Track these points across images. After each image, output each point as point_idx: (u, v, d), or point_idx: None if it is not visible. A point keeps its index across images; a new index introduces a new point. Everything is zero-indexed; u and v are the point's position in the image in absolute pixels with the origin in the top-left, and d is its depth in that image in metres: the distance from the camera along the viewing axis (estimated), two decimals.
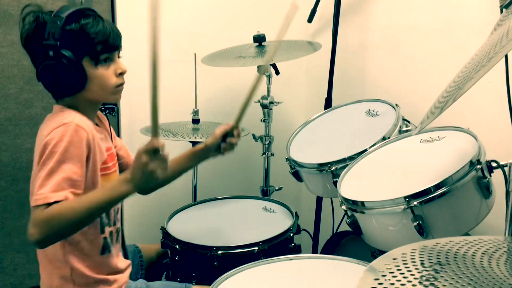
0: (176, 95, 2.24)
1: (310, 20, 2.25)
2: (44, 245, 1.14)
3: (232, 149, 1.46)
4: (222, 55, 2.02)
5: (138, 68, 2.15)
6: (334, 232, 2.08)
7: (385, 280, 0.67)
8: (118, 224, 1.36)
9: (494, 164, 1.20)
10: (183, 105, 2.13)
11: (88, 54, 1.19)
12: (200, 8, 2.28)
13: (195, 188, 2.08)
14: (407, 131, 1.58)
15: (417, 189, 1.19)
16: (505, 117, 1.19)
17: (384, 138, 1.55)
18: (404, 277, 0.68)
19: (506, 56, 1.12)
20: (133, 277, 1.47)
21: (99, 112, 1.39)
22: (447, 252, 0.75)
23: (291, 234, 1.57)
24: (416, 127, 1.44)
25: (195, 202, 1.89)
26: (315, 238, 2.21)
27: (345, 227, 1.66)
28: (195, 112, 2.03)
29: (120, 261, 1.36)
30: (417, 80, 1.94)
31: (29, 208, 1.17)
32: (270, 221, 1.68)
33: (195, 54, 1.96)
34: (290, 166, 1.72)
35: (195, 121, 2.03)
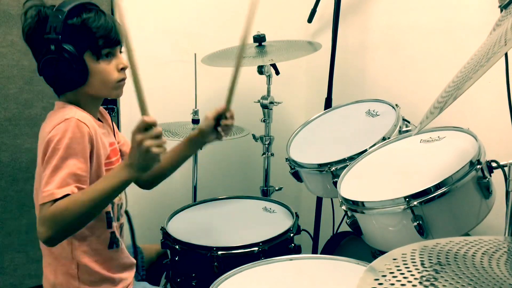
0: (176, 95, 2.24)
1: (310, 20, 2.25)
2: (54, 243, 1.14)
3: (229, 131, 1.44)
4: (222, 55, 2.02)
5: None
6: (334, 232, 2.08)
7: (385, 280, 0.67)
8: (122, 220, 1.36)
9: (494, 164, 1.20)
10: (183, 105, 2.13)
11: (90, 49, 1.19)
12: (200, 8, 2.28)
13: (195, 188, 2.08)
14: (407, 131, 1.58)
15: (417, 189, 1.19)
16: (505, 117, 1.19)
17: (384, 138, 1.55)
18: (404, 277, 0.68)
19: (506, 56, 1.12)
20: (135, 277, 1.48)
21: (101, 108, 1.39)
22: (447, 252, 0.75)
23: (291, 235, 1.57)
24: (416, 127, 1.44)
25: (195, 202, 1.89)
26: (315, 238, 2.20)
27: (345, 227, 1.66)
28: (195, 112, 2.03)
29: (127, 257, 1.36)
30: (417, 80, 1.94)
31: (29, 208, 1.18)
32: (270, 221, 1.68)
33: (195, 54, 1.96)
34: (290, 167, 1.72)
35: (195, 121, 2.03)
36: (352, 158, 1.52)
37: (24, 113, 1.97)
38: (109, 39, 1.21)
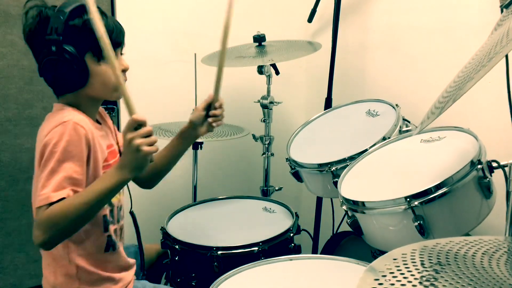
0: (176, 95, 2.24)
1: (310, 20, 2.25)
2: (49, 247, 1.14)
3: (219, 121, 1.42)
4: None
5: (138, 67, 2.16)
6: (334, 232, 2.08)
7: (385, 280, 0.67)
8: (122, 222, 1.36)
9: (494, 164, 1.20)
10: (183, 105, 2.13)
11: (91, 50, 1.18)
12: (200, 8, 2.28)
13: (195, 188, 2.08)
14: (407, 131, 1.58)
15: (417, 189, 1.19)
16: (506, 117, 1.19)
17: (384, 138, 1.55)
18: (404, 277, 0.68)
19: (506, 56, 1.11)
20: (136, 275, 1.48)
21: (101, 109, 1.38)
22: (447, 252, 0.75)
23: (291, 234, 1.57)
24: (416, 127, 1.44)
25: (195, 202, 1.89)
26: (315, 238, 2.20)
27: (345, 227, 1.66)
28: None
29: (125, 259, 1.36)
30: (417, 80, 1.94)
31: (29, 208, 1.17)
32: (270, 221, 1.68)
33: (195, 54, 1.96)
34: (290, 166, 1.72)
35: None
36: (352, 158, 1.52)
37: (24, 113, 1.97)
38: (110, 41, 1.20)
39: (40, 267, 1.30)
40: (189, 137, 1.46)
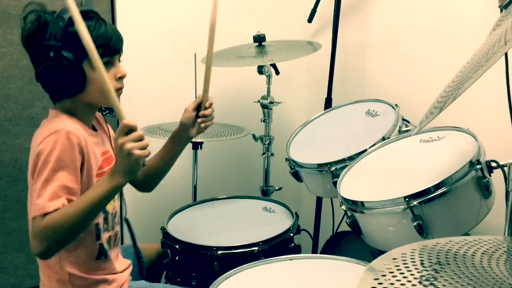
0: (176, 95, 2.24)
1: (310, 20, 2.25)
2: (47, 256, 1.15)
3: (209, 122, 1.43)
4: (222, 55, 2.02)
5: (138, 68, 2.17)
6: (334, 232, 2.08)
7: (385, 280, 0.67)
8: (117, 228, 1.36)
9: (493, 164, 1.20)
10: (183, 105, 2.11)
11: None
12: (200, 8, 2.27)
13: (195, 188, 2.08)
14: (407, 131, 1.58)
15: (417, 189, 1.19)
16: (505, 117, 1.19)
17: (384, 138, 1.55)
18: (404, 277, 0.68)
19: (506, 56, 1.12)
20: (133, 277, 1.48)
21: (98, 115, 1.38)
22: (447, 252, 0.75)
23: (291, 234, 1.57)
24: (416, 127, 1.44)
25: (195, 202, 1.89)
26: (315, 238, 2.21)
27: (345, 227, 1.66)
28: None
29: (119, 264, 1.36)
30: (417, 80, 1.94)
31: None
32: (270, 221, 1.68)
33: (195, 54, 1.96)
34: (290, 166, 1.72)
35: None
36: (352, 158, 1.52)
37: (24, 113, 1.97)
38: (108, 48, 1.20)
39: None
40: (181, 140, 1.46)
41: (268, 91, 2.05)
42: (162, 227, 1.61)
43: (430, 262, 0.72)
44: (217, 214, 1.78)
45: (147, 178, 1.51)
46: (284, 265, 1.32)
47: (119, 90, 1.26)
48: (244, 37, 2.05)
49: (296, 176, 1.72)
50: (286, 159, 1.73)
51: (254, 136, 2.09)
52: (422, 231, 1.18)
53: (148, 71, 2.20)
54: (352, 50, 2.23)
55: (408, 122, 1.64)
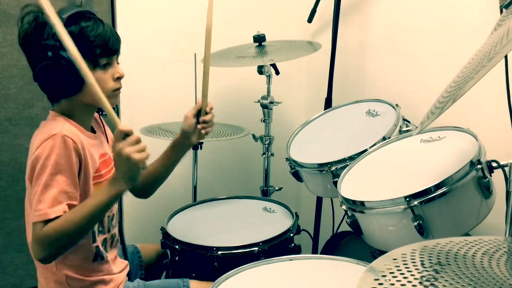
0: (176, 95, 2.24)
1: (310, 20, 2.25)
2: (49, 261, 1.17)
3: (210, 128, 1.43)
4: (222, 55, 2.02)
5: (138, 68, 2.17)
6: (334, 232, 2.08)
7: (385, 280, 0.67)
8: (114, 230, 1.36)
9: (494, 164, 1.20)
10: (183, 105, 2.11)
11: (87, 57, 1.18)
12: (200, 8, 2.27)
13: (195, 188, 2.08)
14: (407, 131, 1.58)
15: (417, 189, 1.19)
16: (505, 117, 1.19)
17: (384, 138, 1.55)
18: (404, 278, 0.68)
19: (506, 56, 1.12)
20: (132, 277, 1.48)
21: (98, 116, 1.38)
22: (447, 252, 0.75)
23: (291, 235, 1.57)
24: (416, 127, 1.44)
25: (195, 202, 1.88)
26: (315, 238, 2.20)
27: (345, 227, 1.66)
28: None
29: (116, 266, 1.36)
30: (417, 80, 1.94)
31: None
32: (270, 221, 1.68)
33: (195, 54, 1.95)
34: (290, 166, 1.72)
35: None
36: (352, 158, 1.52)
37: (24, 113, 1.97)
38: (106, 49, 1.21)
39: None
40: (182, 147, 1.47)
41: (268, 91, 2.05)
42: (162, 227, 1.61)
43: (430, 262, 0.72)
44: (217, 214, 1.77)
45: (147, 184, 1.52)
46: (284, 265, 1.32)
47: (117, 90, 1.26)
48: (244, 37, 2.05)
49: (296, 176, 1.72)
50: (287, 159, 1.73)
51: (254, 136, 2.09)
52: (423, 231, 1.18)
53: (148, 71, 2.20)
54: (352, 50, 2.23)
55: (409, 122, 1.64)
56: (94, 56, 1.19)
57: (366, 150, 1.53)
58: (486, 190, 1.20)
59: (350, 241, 1.90)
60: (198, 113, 1.42)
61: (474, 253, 0.76)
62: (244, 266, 1.29)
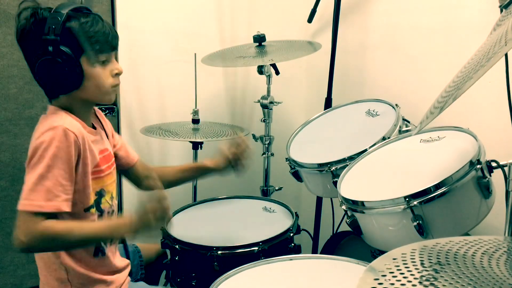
0: (176, 95, 2.24)
1: (310, 20, 2.25)
2: (27, 252, 1.19)
3: (246, 159, 1.56)
4: (222, 55, 2.02)
5: (138, 68, 2.17)
6: (334, 232, 2.08)
7: (385, 280, 0.67)
8: None
9: (494, 164, 1.20)
10: (183, 105, 2.13)
11: (86, 53, 1.18)
12: (200, 8, 2.28)
13: (195, 188, 2.08)
14: (407, 131, 1.58)
15: (417, 189, 1.19)
16: (505, 117, 1.19)
17: (384, 138, 1.55)
18: (404, 277, 0.68)
19: (506, 56, 1.11)
20: (133, 277, 1.48)
21: (98, 112, 1.38)
22: (447, 252, 0.75)
23: (291, 234, 1.57)
24: (416, 127, 1.44)
25: (195, 202, 1.88)
26: (315, 238, 2.20)
27: (345, 227, 1.66)
28: (195, 112, 2.03)
29: (118, 261, 1.36)
30: (417, 80, 1.94)
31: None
32: (270, 221, 1.68)
33: (195, 54, 1.96)
34: (290, 166, 1.72)
35: (195, 121, 2.03)
36: (352, 158, 1.52)
37: (24, 113, 1.97)
38: (106, 44, 1.21)
39: None
40: (208, 175, 1.60)
41: (268, 91, 2.05)
42: (162, 227, 1.61)
43: (430, 262, 0.72)
44: (217, 214, 1.77)
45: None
46: (284, 265, 1.32)
47: (115, 87, 1.26)
48: (244, 37, 2.05)
49: (296, 176, 1.72)
50: (286, 159, 1.73)
51: (254, 136, 2.09)
52: (422, 231, 1.18)
53: (148, 71, 2.20)
54: (352, 50, 2.23)
55: (409, 122, 1.64)
56: (94, 52, 1.19)
57: (366, 150, 1.53)
58: (485, 190, 1.20)
59: (350, 241, 1.90)
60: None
61: (474, 252, 0.76)
62: (244, 266, 1.29)
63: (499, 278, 0.69)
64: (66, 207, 1.14)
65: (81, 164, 1.19)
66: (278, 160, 2.03)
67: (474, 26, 1.66)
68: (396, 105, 1.66)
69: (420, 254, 0.74)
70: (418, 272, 0.69)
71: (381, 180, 1.41)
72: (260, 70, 2.00)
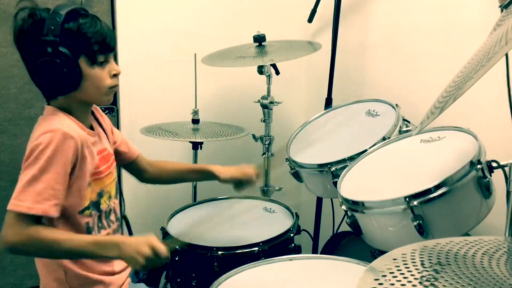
0: (176, 95, 2.24)
1: (310, 20, 2.25)
2: (12, 253, 1.17)
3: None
4: (222, 55, 2.02)
5: (138, 68, 2.17)
6: (334, 232, 2.08)
7: (385, 280, 0.67)
8: (114, 225, 1.35)
9: (494, 164, 1.19)
10: (183, 105, 2.13)
11: (85, 54, 1.18)
12: (200, 8, 2.28)
13: (195, 188, 2.08)
14: (407, 131, 1.58)
15: (417, 189, 1.19)
16: (506, 117, 1.19)
17: (384, 138, 1.55)
18: (404, 277, 0.68)
19: (506, 56, 1.11)
20: (133, 277, 1.47)
21: (96, 108, 1.37)
22: (447, 252, 0.75)
23: (291, 235, 1.57)
24: (416, 127, 1.44)
25: (195, 202, 1.88)
26: (315, 238, 2.20)
27: (345, 227, 1.66)
28: (195, 112, 2.03)
29: (117, 262, 1.36)
30: (417, 80, 1.94)
31: None
32: (270, 222, 1.68)
33: (195, 54, 1.96)
34: (290, 167, 1.72)
35: (195, 121, 2.03)
36: (352, 158, 1.52)
37: (24, 113, 1.97)
38: (104, 45, 1.21)
39: None
40: (209, 179, 1.56)
41: (268, 91, 2.05)
42: (162, 227, 1.61)
43: (430, 262, 0.72)
44: (217, 214, 1.77)
45: (157, 177, 1.55)
46: (284, 265, 1.32)
47: (113, 87, 1.26)
48: (244, 37, 2.05)
49: (296, 176, 1.72)
50: (286, 159, 1.73)
51: (254, 136, 2.09)
52: (423, 231, 1.18)
53: (148, 71, 2.20)
54: (352, 50, 2.23)
55: (409, 122, 1.64)
56: (92, 52, 1.19)
57: (366, 150, 1.53)
58: (486, 190, 1.20)
59: (350, 241, 1.90)
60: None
61: (474, 253, 0.76)
62: (244, 266, 1.29)
63: (500, 278, 0.69)
64: (54, 212, 1.13)
65: (77, 168, 1.19)
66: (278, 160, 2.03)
67: (474, 26, 1.66)
68: (396, 105, 1.66)
69: (420, 254, 0.74)
70: (418, 273, 0.69)
71: (381, 180, 1.41)
72: (260, 70, 2.00)
